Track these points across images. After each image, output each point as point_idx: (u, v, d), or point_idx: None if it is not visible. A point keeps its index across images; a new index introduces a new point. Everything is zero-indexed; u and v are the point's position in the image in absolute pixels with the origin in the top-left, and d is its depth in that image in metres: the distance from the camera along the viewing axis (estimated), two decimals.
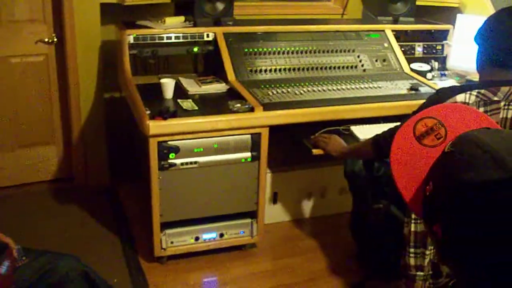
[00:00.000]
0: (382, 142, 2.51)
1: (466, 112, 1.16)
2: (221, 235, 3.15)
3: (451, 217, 0.93)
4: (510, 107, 2.26)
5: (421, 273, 2.43)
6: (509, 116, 2.28)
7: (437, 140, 1.08)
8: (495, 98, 2.23)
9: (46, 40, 3.58)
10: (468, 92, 2.22)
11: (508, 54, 2.21)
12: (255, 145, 2.98)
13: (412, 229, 2.39)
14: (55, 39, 3.59)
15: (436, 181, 0.98)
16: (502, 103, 2.25)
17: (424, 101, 2.41)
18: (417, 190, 1.05)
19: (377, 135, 2.55)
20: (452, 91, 2.28)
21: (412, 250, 2.42)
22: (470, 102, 2.21)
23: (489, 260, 0.91)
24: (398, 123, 2.53)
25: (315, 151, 2.90)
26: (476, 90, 2.22)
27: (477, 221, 0.89)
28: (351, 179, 3.03)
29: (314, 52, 3.51)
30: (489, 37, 2.26)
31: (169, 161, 2.85)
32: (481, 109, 2.23)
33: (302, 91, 3.16)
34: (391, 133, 2.49)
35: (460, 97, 2.22)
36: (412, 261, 2.43)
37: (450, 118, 1.11)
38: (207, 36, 3.37)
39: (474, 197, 0.89)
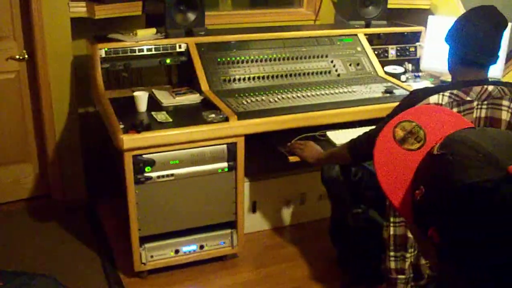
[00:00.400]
0: (358, 146, 2.52)
1: (441, 113, 1.16)
2: (202, 247, 3.13)
3: (449, 220, 0.92)
4: (483, 106, 2.28)
5: (403, 276, 2.43)
6: (482, 115, 2.30)
7: (418, 143, 1.07)
8: (468, 98, 2.25)
9: (17, 57, 3.54)
10: (441, 93, 2.23)
11: (479, 53, 2.24)
12: (231, 155, 2.96)
13: (392, 232, 2.39)
14: (26, 56, 3.55)
15: (428, 184, 0.97)
16: (475, 103, 2.26)
17: (398, 103, 2.43)
18: (405, 195, 1.03)
19: (352, 140, 2.56)
20: (425, 93, 2.29)
21: (392, 253, 2.42)
22: (443, 103, 2.22)
23: (492, 261, 0.90)
24: (374, 127, 2.53)
25: (292, 158, 2.89)
26: (449, 91, 2.23)
27: (476, 223, 0.88)
28: (328, 185, 3.02)
29: (288, 59, 3.51)
30: (460, 37, 2.28)
31: (145, 174, 2.83)
32: (455, 110, 2.24)
33: (276, 99, 3.15)
34: (366, 137, 2.50)
35: (433, 99, 2.23)
36: (392, 265, 2.43)
37: (426, 119, 1.11)
38: (180, 47, 3.35)
39: (471, 198, 0.88)
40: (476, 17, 2.26)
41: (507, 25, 2.29)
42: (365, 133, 2.53)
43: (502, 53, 3.16)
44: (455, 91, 2.24)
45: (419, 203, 0.98)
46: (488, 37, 2.24)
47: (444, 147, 0.97)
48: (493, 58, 2.28)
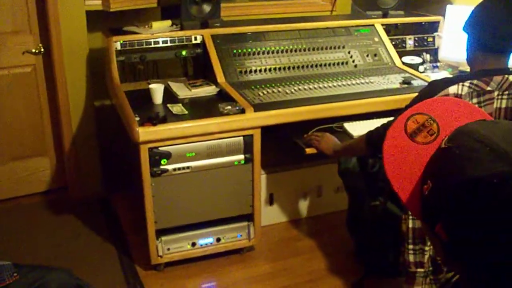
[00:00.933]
0: (375, 138, 2.48)
1: (457, 105, 1.12)
2: (218, 240, 3.12)
3: (453, 216, 0.89)
4: (504, 96, 2.24)
5: (421, 270, 2.40)
6: (503, 106, 2.26)
7: (430, 136, 1.03)
8: (488, 88, 2.20)
9: (33, 50, 3.54)
10: (461, 84, 2.19)
11: (497, 39, 2.20)
12: (247, 147, 2.94)
13: (410, 225, 2.36)
14: (42, 49, 3.56)
15: (435, 179, 0.93)
16: (496, 93, 2.22)
17: (416, 94, 2.39)
18: (413, 190, 1.00)
19: (370, 132, 2.52)
20: (444, 83, 2.25)
21: (411, 246, 2.39)
22: (463, 93, 2.18)
23: (491, 259, 0.87)
24: (391, 118, 2.50)
25: (308, 150, 2.87)
26: (469, 81, 2.19)
27: (480, 220, 0.85)
28: (345, 177, 3.00)
29: (304, 50, 3.48)
30: (478, 24, 2.24)
31: (161, 167, 2.82)
32: (474, 100, 2.20)
33: (293, 90, 3.13)
34: (384, 128, 2.46)
35: (452, 89, 2.19)
36: (411, 258, 2.39)
37: (441, 112, 1.07)
38: (195, 39, 3.33)
39: (475, 193, 0.85)
40: (494, 3, 2.23)
41: None
42: (383, 124, 2.50)
43: None
44: (475, 81, 2.19)
45: (426, 198, 0.95)
46: (506, 23, 2.19)
47: (452, 140, 0.94)
48: (510, 44, 2.24)
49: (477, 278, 0.93)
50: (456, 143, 0.92)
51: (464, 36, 2.33)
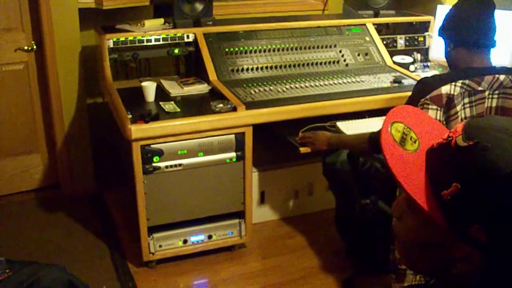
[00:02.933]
0: (378, 140, 2.51)
1: (412, 112, 1.14)
2: (210, 237, 3.13)
3: (500, 213, 0.87)
4: (494, 96, 2.28)
5: None
6: (493, 105, 2.29)
7: (414, 143, 1.03)
8: (480, 88, 2.24)
9: (25, 48, 3.54)
10: (453, 84, 2.22)
11: (478, 34, 2.27)
12: (239, 145, 2.96)
13: None
14: (35, 47, 3.56)
15: (463, 180, 0.90)
16: (487, 93, 2.26)
17: (409, 93, 2.43)
18: (428, 198, 0.96)
19: (373, 134, 2.56)
20: (435, 81, 2.28)
21: None
22: (455, 93, 2.21)
23: None
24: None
25: (303, 150, 2.89)
26: (461, 81, 2.23)
27: None
28: (332, 177, 3.01)
29: (296, 49, 3.50)
30: (458, 23, 2.36)
31: (153, 164, 2.83)
32: (466, 100, 2.24)
33: (284, 89, 3.15)
34: None
35: (445, 89, 2.22)
36: None
37: (409, 119, 1.08)
38: (187, 37, 3.35)
39: None
40: (467, 3, 2.32)
41: (495, 7, 2.32)
42: None
43: (510, 40, 3.16)
44: (467, 81, 2.23)
45: (451, 203, 0.92)
46: (483, 19, 2.30)
47: (473, 137, 0.91)
48: (493, 40, 2.32)
49: None
50: (481, 138, 0.90)
51: (442, 41, 2.42)
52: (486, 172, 0.87)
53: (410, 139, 1.03)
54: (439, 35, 2.44)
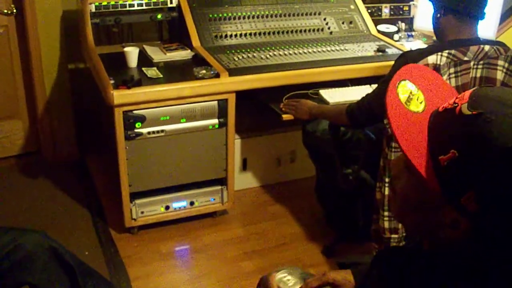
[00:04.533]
0: (356, 113, 2.51)
1: (426, 72, 1.14)
2: (192, 203, 3.14)
3: (494, 185, 0.87)
4: (479, 66, 2.28)
5: (396, 236, 2.45)
6: (477, 75, 2.30)
7: (420, 104, 1.03)
8: (465, 58, 2.25)
9: (5, 11, 3.47)
10: (439, 54, 2.22)
11: (474, 4, 2.26)
12: (222, 112, 2.95)
13: (386, 192, 2.40)
14: (15, 10, 3.49)
15: (462, 147, 0.90)
16: (472, 63, 2.26)
17: (391, 66, 2.42)
18: (426, 162, 0.96)
19: (350, 106, 2.55)
20: (421, 54, 2.28)
21: (386, 213, 2.43)
22: (441, 63, 2.21)
23: None
24: (369, 92, 2.53)
25: (285, 117, 2.88)
26: (447, 51, 2.23)
27: None
28: (313, 147, 3.01)
29: (280, 16, 3.47)
30: None
31: (136, 130, 2.82)
32: (452, 70, 2.25)
33: (268, 56, 3.13)
34: (363, 104, 2.50)
35: (431, 59, 2.22)
36: (386, 224, 2.44)
37: (421, 80, 1.08)
38: (171, 2, 3.30)
39: None
40: None
41: None
42: (362, 98, 2.52)
43: (496, 13, 3.16)
44: (452, 51, 2.23)
45: (447, 169, 0.92)
46: None
47: (477, 107, 0.91)
48: (483, 12, 2.29)
49: (503, 245, 0.93)
50: (486, 110, 0.90)
51: (430, 7, 2.39)
52: (486, 145, 0.87)
53: (417, 99, 1.03)
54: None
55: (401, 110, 1.00)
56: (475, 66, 2.28)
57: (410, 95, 1.03)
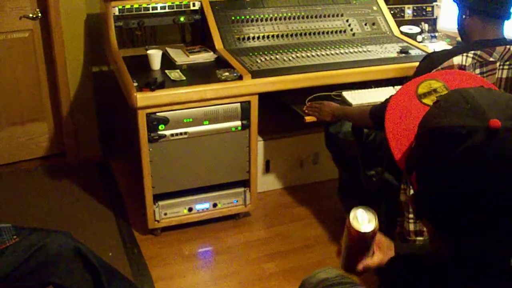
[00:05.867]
0: (379, 115, 2.49)
1: (469, 79, 1.15)
2: (215, 205, 3.15)
3: (426, 164, 0.93)
4: (505, 67, 2.26)
5: (421, 238, 2.42)
6: (504, 76, 2.28)
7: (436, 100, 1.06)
8: (491, 59, 2.22)
9: (30, 15, 3.52)
10: (465, 54, 2.20)
11: (499, 4, 2.23)
12: (245, 114, 2.95)
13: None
14: (40, 14, 3.53)
15: (418, 127, 0.98)
16: (498, 64, 2.24)
17: (416, 67, 2.40)
18: (407, 147, 1.04)
19: (374, 108, 2.52)
20: (446, 55, 2.26)
21: (411, 215, 2.41)
22: (467, 64, 2.20)
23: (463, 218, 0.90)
24: (392, 94, 2.51)
25: (308, 119, 2.89)
26: (472, 52, 2.21)
27: (451, 170, 0.88)
28: (337, 149, 2.99)
29: (302, 17, 3.47)
30: None
31: (159, 132, 2.83)
32: (477, 71, 2.23)
33: (291, 58, 3.13)
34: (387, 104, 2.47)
35: (457, 59, 2.20)
36: (411, 227, 2.42)
37: (454, 83, 1.10)
38: (193, 5, 3.32)
39: (441, 140, 0.89)
40: None
41: None
42: (386, 100, 2.50)
43: None
44: (478, 52, 2.21)
45: (411, 149, 1.00)
46: None
47: (444, 96, 0.98)
48: (509, 10, 2.26)
49: (440, 227, 0.96)
50: (444, 98, 0.96)
51: (455, 7, 2.36)
52: (426, 125, 0.95)
53: (437, 97, 1.05)
54: (454, 0, 2.38)
55: (408, 99, 1.08)
56: (501, 67, 2.25)
57: (431, 91, 1.08)
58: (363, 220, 1.37)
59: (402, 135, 1.05)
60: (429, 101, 1.06)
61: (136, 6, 3.21)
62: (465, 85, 1.08)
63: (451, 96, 0.95)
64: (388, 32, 3.61)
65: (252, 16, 3.36)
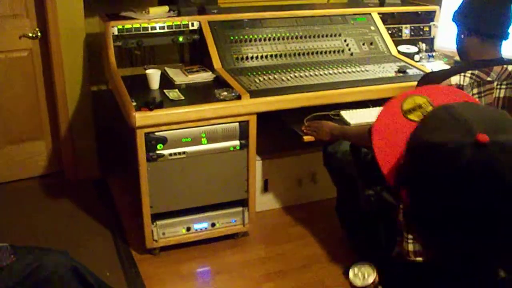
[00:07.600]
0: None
1: (453, 94, 1.16)
2: (213, 225, 3.14)
3: (415, 178, 0.94)
4: (503, 86, 2.27)
5: (420, 259, 2.41)
6: (501, 95, 2.29)
7: (420, 116, 1.07)
8: (488, 79, 2.24)
9: (30, 35, 3.54)
10: (462, 74, 2.22)
11: (493, 25, 2.24)
12: (243, 133, 2.96)
13: None
14: (39, 34, 3.55)
15: (406, 146, 0.99)
16: (495, 83, 2.26)
17: (415, 86, 2.41)
18: (395, 162, 1.05)
19: (372, 126, 2.52)
20: (443, 75, 2.27)
21: (410, 236, 2.40)
22: (465, 84, 2.21)
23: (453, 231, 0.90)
24: None
25: (306, 138, 2.89)
26: (470, 72, 2.22)
27: (441, 184, 0.89)
28: (335, 169, 3.00)
29: (300, 37, 3.49)
30: (473, 11, 2.31)
31: (157, 152, 2.83)
32: (475, 90, 2.24)
33: (289, 77, 3.14)
34: None
35: (454, 79, 2.22)
36: (410, 247, 2.41)
37: (438, 98, 1.11)
38: (192, 25, 3.34)
39: (428, 155, 0.90)
40: None
41: None
42: None
43: None
44: (476, 72, 2.23)
45: (402, 166, 1.01)
46: (501, 9, 2.25)
47: (429, 112, 1.00)
48: (507, 31, 2.28)
49: (430, 243, 0.98)
50: (431, 114, 0.98)
51: (454, 27, 2.38)
52: (413, 140, 0.96)
53: (423, 113, 1.08)
54: (453, 20, 2.40)
55: (393, 115, 1.09)
56: (498, 86, 2.27)
57: (416, 107, 1.09)
58: (362, 275, 1.40)
59: (389, 150, 1.06)
60: (414, 116, 1.08)
61: (135, 26, 3.23)
62: (449, 100, 1.09)
63: (438, 112, 0.97)
64: (386, 52, 3.63)
65: (251, 36, 3.38)
